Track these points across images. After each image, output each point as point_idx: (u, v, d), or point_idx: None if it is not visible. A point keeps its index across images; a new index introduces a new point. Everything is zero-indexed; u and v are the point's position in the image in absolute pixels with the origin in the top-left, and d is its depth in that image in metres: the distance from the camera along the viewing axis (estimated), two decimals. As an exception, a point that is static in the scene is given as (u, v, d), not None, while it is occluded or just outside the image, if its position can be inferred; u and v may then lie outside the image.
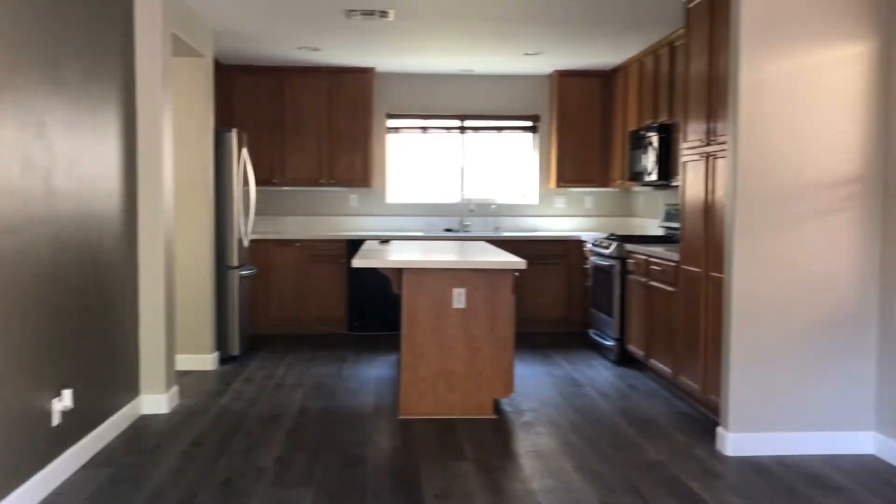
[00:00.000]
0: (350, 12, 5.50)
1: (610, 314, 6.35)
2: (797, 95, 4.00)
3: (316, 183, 7.77)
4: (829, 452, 4.05)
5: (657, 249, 5.52)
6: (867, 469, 3.84)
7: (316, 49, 6.84)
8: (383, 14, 5.54)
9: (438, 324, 4.65)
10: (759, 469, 3.83)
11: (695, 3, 4.79)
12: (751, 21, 3.95)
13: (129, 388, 4.58)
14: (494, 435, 4.36)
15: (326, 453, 4.03)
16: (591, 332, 6.88)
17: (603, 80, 7.79)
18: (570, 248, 7.57)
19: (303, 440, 4.24)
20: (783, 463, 3.91)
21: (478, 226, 8.13)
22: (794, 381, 4.06)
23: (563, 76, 7.78)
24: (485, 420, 4.63)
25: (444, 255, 5.00)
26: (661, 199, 7.15)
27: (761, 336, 4.04)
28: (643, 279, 5.75)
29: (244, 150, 6.38)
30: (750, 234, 4.02)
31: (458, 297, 4.64)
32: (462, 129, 8.17)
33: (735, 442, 4.04)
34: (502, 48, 6.72)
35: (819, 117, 4.01)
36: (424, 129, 8.18)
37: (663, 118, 6.19)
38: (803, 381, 4.06)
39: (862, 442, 4.08)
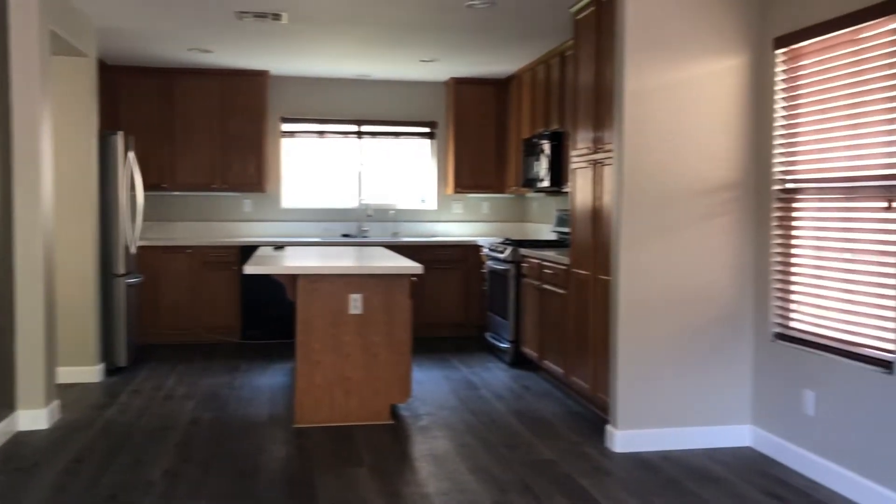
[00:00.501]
0: (241, 14, 5.40)
1: (505, 317, 6.47)
2: (678, 105, 4.19)
3: (208, 188, 7.57)
4: (710, 446, 4.26)
5: (550, 253, 5.66)
6: (744, 460, 4.06)
7: (207, 51, 6.68)
8: (276, 17, 5.46)
9: (334, 330, 4.61)
10: (644, 464, 3.98)
11: (582, 15, 4.95)
12: (634, 34, 4.12)
13: (4, 403, 4.33)
14: (391, 440, 4.37)
15: (218, 465, 3.93)
16: (488, 336, 6.99)
17: (498, 88, 7.93)
18: (467, 253, 7.67)
19: (193, 452, 4.12)
20: (667, 457, 4.08)
21: (376, 231, 8.12)
22: (677, 379, 4.25)
23: (459, 83, 7.88)
24: (382, 426, 4.63)
25: (340, 260, 4.97)
26: (554, 204, 7.34)
27: (646, 336, 4.21)
28: (536, 282, 5.88)
29: (130, 154, 6.16)
30: (634, 239, 4.18)
31: (355, 303, 4.62)
32: (359, 134, 8.15)
33: (623, 439, 4.19)
34: (398, 54, 6.75)
35: (698, 126, 4.21)
36: (321, 133, 8.11)
37: (555, 126, 6.36)
38: (685, 378, 4.26)
39: (740, 435, 4.31)
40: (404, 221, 8.22)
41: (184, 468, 3.87)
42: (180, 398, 5.26)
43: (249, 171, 7.61)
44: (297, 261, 4.89)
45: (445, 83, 8.13)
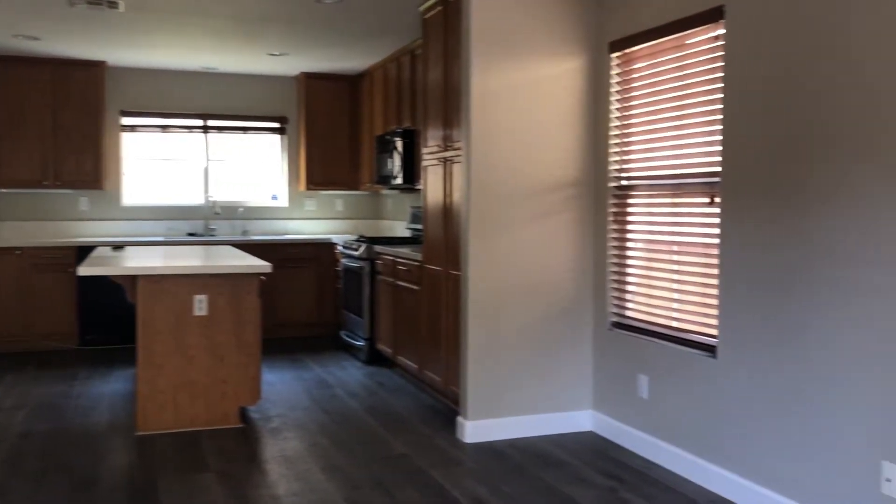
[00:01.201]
0: (73, 0, 5.08)
1: (360, 315, 6.45)
2: (522, 106, 4.33)
3: (39, 185, 7.07)
4: (556, 432, 4.44)
5: (404, 250, 5.70)
6: (586, 444, 4.26)
7: (35, 38, 6.23)
8: (112, 4, 5.18)
9: (178, 333, 4.44)
10: (494, 453, 4.09)
11: (430, 14, 5.01)
12: (480, 35, 4.22)
13: None
14: (240, 444, 4.25)
15: (52, 478, 3.69)
16: (343, 334, 6.95)
17: (350, 85, 7.89)
18: (321, 251, 7.59)
19: (25, 466, 3.85)
20: (515, 445, 4.22)
21: (225, 229, 7.87)
22: (524, 369, 4.39)
23: (311, 78, 7.78)
24: (230, 430, 4.50)
25: (183, 260, 4.78)
26: (408, 201, 7.39)
27: (494, 329, 4.32)
28: (391, 279, 5.91)
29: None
30: (482, 235, 4.29)
31: (200, 304, 4.46)
32: (205, 128, 7.87)
33: (473, 429, 4.29)
34: (245, 48, 6.58)
35: (541, 126, 4.37)
36: (164, 128, 7.77)
37: (407, 124, 6.41)
38: (531, 368, 4.41)
39: (582, 420, 4.51)
40: (254, 219, 8.02)
41: (13, 484, 3.60)
42: (9, 410, 4.89)
43: (86, 167, 7.17)
44: (136, 261, 4.67)
45: (296, 78, 8.00)
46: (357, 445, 4.22)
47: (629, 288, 4.26)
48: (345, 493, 3.52)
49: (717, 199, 3.56)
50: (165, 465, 3.89)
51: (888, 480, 2.75)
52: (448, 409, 4.92)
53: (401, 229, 7.63)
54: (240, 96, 7.90)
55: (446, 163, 4.81)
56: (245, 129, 8.01)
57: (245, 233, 7.92)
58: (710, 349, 3.62)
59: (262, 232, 8.01)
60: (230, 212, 7.90)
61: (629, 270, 4.26)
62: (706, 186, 3.65)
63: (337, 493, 3.52)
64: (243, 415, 4.75)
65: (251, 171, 8.12)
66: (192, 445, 4.20)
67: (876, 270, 2.78)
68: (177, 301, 4.43)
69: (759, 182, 3.30)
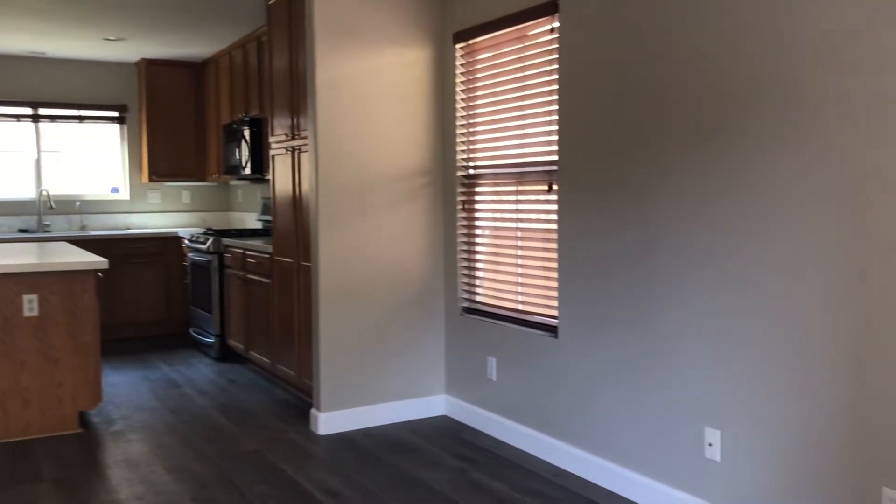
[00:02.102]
0: None
1: (210, 311, 6.25)
2: (369, 95, 4.32)
3: None
4: (410, 418, 4.49)
5: (254, 242, 5.57)
6: (440, 429, 4.33)
7: None
8: (-82, -20, 4.72)
9: (6, 336, 4.13)
10: (347, 443, 4.09)
11: (274, 0, 4.91)
12: (324, 23, 4.17)
13: None
14: (79, 450, 4.03)
15: None
16: (193, 331, 6.71)
17: (194, 72, 7.60)
18: (167, 245, 7.27)
19: None
20: (369, 434, 4.23)
21: (60, 225, 7.39)
22: (377, 358, 4.41)
23: (152, 65, 7.42)
24: (69, 436, 4.25)
25: (10, 258, 4.45)
26: (259, 192, 7.22)
27: (346, 318, 4.31)
28: (241, 273, 5.76)
29: None
30: (332, 225, 4.26)
31: (30, 305, 4.17)
32: (35, 117, 7.34)
33: (327, 421, 4.27)
34: (77, 31, 6.18)
35: (389, 115, 4.39)
36: (-12, 116, 7.18)
37: (254, 112, 6.25)
38: (385, 356, 4.43)
39: (436, 405, 4.59)
40: (94, 213, 7.57)
41: None
42: None
43: None
44: (-45, 260, 4.30)
45: (136, 64, 7.61)
46: (206, 444, 4.09)
47: (478, 274, 4.36)
48: (192, 493, 3.41)
49: (556, 187, 3.70)
50: (-7, 477, 3.63)
51: (710, 445, 2.98)
52: (302, 402, 4.86)
53: (252, 221, 7.45)
54: (74, 83, 7.42)
55: (294, 152, 4.74)
56: (81, 118, 7.54)
57: (83, 228, 7.46)
58: (552, 330, 3.77)
59: (103, 227, 7.58)
60: (66, 206, 7.42)
61: (478, 257, 4.36)
62: (546, 175, 3.80)
63: (184, 494, 3.41)
64: (83, 419, 4.49)
65: (89, 162, 7.65)
66: (24, 455, 3.93)
67: (698, 256, 2.99)
68: (3, 302, 4.12)
69: (592, 171, 3.46)
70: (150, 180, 7.52)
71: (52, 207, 7.30)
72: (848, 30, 2.43)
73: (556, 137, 3.69)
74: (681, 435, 3.10)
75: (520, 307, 4.03)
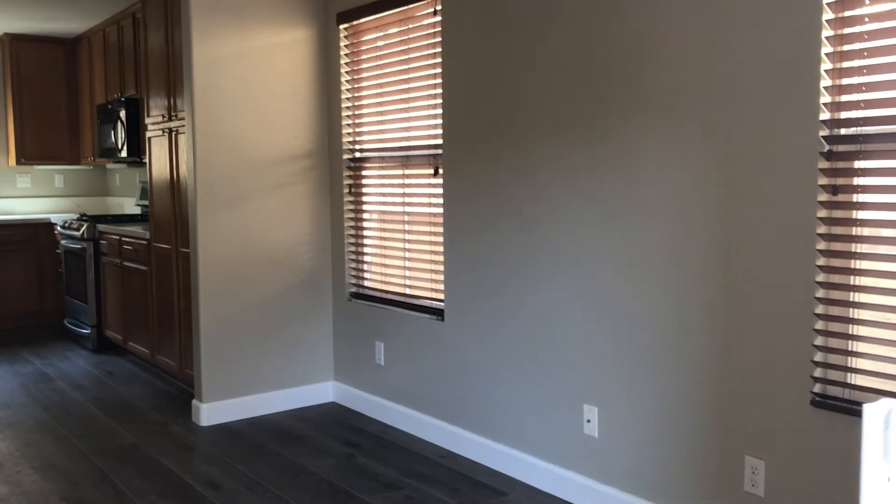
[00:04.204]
0: None
1: (85, 300, 5.95)
2: (249, 75, 4.19)
3: None
4: (297, 406, 4.42)
5: (131, 228, 5.33)
6: (327, 415, 4.29)
7: None
8: None
9: None
10: (231, 433, 3.99)
11: (149, -26, 4.69)
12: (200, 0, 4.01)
13: None
14: (-64, 451, 3.76)
15: None
16: (67, 322, 6.37)
17: (66, 49, 7.17)
18: (38, 232, 6.86)
19: None
20: (254, 424, 4.14)
21: (-84, 211, 6.86)
22: (261, 346, 4.31)
23: (18, 41, 6.95)
24: (-76, 436, 3.96)
25: None
26: (137, 176, 6.92)
27: (229, 305, 4.19)
28: (117, 260, 5.50)
29: None
30: (212, 209, 4.12)
31: None
32: None
33: (209, 412, 4.14)
34: (-70, 1, 5.72)
35: (271, 96, 4.27)
36: None
37: (130, 92, 5.97)
38: (270, 344, 4.34)
39: (324, 392, 4.54)
40: (-45, 199, 7.06)
41: None
42: None
43: None
44: None
45: (0, 39, 7.12)
46: (80, 440, 3.90)
47: (366, 259, 4.32)
48: (63, 492, 3.24)
49: (441, 171, 3.71)
50: None
51: (588, 421, 3.06)
52: (184, 393, 4.70)
53: (130, 206, 7.13)
54: (-72, 58, 6.87)
55: (172, 133, 4.56)
56: (-63, 96, 6.99)
57: (-57, 214, 6.95)
58: (438, 313, 3.78)
59: (-35, 213, 7.08)
60: (-78, 190, 6.89)
61: (365, 241, 4.32)
62: (431, 158, 3.79)
63: (53, 493, 3.23)
64: (-59, 419, 4.20)
65: (-52, 143, 7.12)
66: None
67: (571, 241, 3.06)
68: None
69: (474, 156, 3.48)
70: (19, 163, 7.07)
71: None
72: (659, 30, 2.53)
73: (440, 121, 3.69)
74: (562, 413, 3.18)
75: (407, 291, 4.03)
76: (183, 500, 3.17)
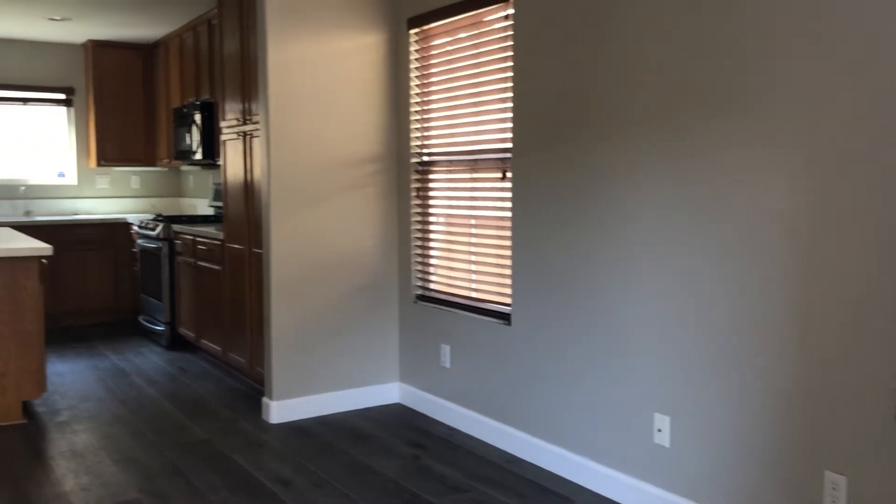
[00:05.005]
0: None
1: (160, 298, 6.13)
2: (322, 79, 4.26)
3: None
4: (363, 406, 4.46)
5: (205, 229, 5.47)
6: (394, 416, 4.32)
7: None
8: None
9: (-56, 323, 4.00)
10: (300, 431, 4.05)
11: (226, -19, 4.81)
12: (275, 4, 4.09)
13: None
14: (22, 441, 3.92)
15: None
16: (142, 319, 6.58)
17: (144, 54, 7.42)
18: (115, 232, 7.11)
19: None
20: (322, 422, 4.20)
21: (4, 210, 7.17)
22: (329, 345, 4.37)
23: (100, 47, 7.22)
24: (11, 426, 4.14)
25: (-51, 243, 4.31)
26: (210, 178, 7.10)
27: (299, 305, 4.26)
28: (191, 260, 5.66)
29: None
30: (284, 211, 4.20)
31: (-31, 291, 4.04)
32: (-23, 99, 7.10)
33: (278, 409, 4.22)
34: (18, 10, 5.97)
35: (342, 101, 4.33)
36: (-74, 97, 6.92)
37: (205, 96, 6.13)
38: (338, 344, 4.40)
39: (390, 393, 4.57)
40: (39, 198, 7.36)
41: None
42: None
43: None
44: None
45: (83, 45, 7.40)
46: (154, 434, 4.02)
47: (432, 261, 4.35)
48: (140, 484, 3.35)
49: (509, 174, 3.70)
50: (-70, 470, 3.52)
51: (659, 430, 3.02)
52: (254, 391, 4.81)
53: (203, 207, 7.32)
54: (18, 64, 7.19)
55: (246, 137, 4.66)
56: (25, 101, 7.31)
57: (28, 213, 7.26)
58: (505, 317, 3.78)
59: (49, 212, 7.38)
60: (10, 191, 7.20)
61: (432, 244, 4.34)
62: (499, 162, 3.79)
63: (130, 485, 3.34)
64: (27, 409, 4.38)
65: (34, 146, 7.44)
66: (-37, 447, 3.82)
67: (650, 246, 3.02)
68: (-60, 289, 3.99)
69: (545, 159, 3.47)
70: (99, 165, 7.34)
71: (-6, 192, 7.08)
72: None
73: (510, 125, 3.69)
74: (631, 421, 3.14)
75: (473, 294, 4.03)
76: (254, 496, 3.24)
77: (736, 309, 2.70)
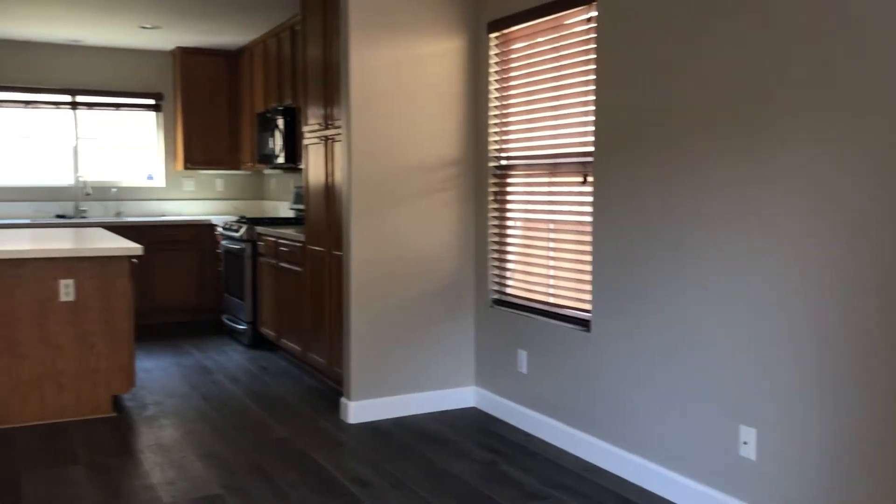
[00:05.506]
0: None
1: (242, 298, 6.29)
2: (403, 84, 4.30)
3: None
4: (439, 409, 4.48)
5: (287, 231, 5.59)
6: (470, 420, 4.32)
7: None
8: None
9: (43, 320, 4.19)
10: (378, 432, 4.09)
11: (309, -12, 4.90)
12: (358, 11, 4.15)
13: None
14: (112, 434, 4.08)
15: None
16: (225, 318, 6.76)
17: (229, 60, 7.64)
18: (200, 233, 7.34)
19: None
20: (399, 424, 4.23)
21: (97, 211, 7.49)
22: (407, 348, 4.40)
23: (187, 53, 7.47)
24: (102, 419, 4.31)
25: (48, 243, 4.51)
26: (292, 181, 7.25)
27: (377, 308, 4.31)
28: (273, 261, 5.78)
29: None
30: (364, 214, 4.25)
31: (66, 289, 4.23)
32: (74, 104, 7.44)
33: (357, 410, 4.27)
34: (113, 19, 6.23)
35: (422, 105, 4.36)
36: (28, 103, 7.29)
37: (288, 101, 6.27)
38: (414, 346, 4.43)
39: (465, 397, 4.57)
40: (129, 200, 7.66)
41: None
42: None
43: (-62, 144, 6.65)
44: (-5, 244, 4.37)
45: (172, 52, 7.67)
46: (236, 431, 4.12)
47: (509, 266, 4.33)
48: (223, 480, 3.44)
49: (590, 179, 3.65)
50: (30, 459, 3.69)
51: (745, 443, 2.92)
52: (332, 391, 4.88)
53: (284, 210, 7.48)
54: (111, 71, 7.50)
55: (327, 141, 4.74)
56: (118, 106, 7.62)
57: (119, 214, 7.56)
58: (584, 324, 3.73)
59: (138, 213, 7.67)
60: (103, 192, 7.52)
61: (509, 248, 4.32)
62: (580, 166, 3.75)
63: (214, 480, 3.43)
64: (117, 404, 4.55)
65: (125, 149, 7.74)
66: (59, 438, 3.99)
67: (734, 251, 2.93)
68: (41, 286, 4.18)
69: (628, 163, 3.41)
70: (185, 168, 7.59)
71: (88, 194, 7.40)
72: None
73: (591, 129, 3.64)
74: (715, 433, 3.05)
75: (551, 300, 3.99)
76: (333, 495, 3.28)
77: (827, 316, 2.59)
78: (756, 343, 2.86)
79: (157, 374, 5.35)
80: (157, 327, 6.99)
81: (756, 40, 2.81)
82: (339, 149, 4.55)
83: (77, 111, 7.46)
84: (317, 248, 4.96)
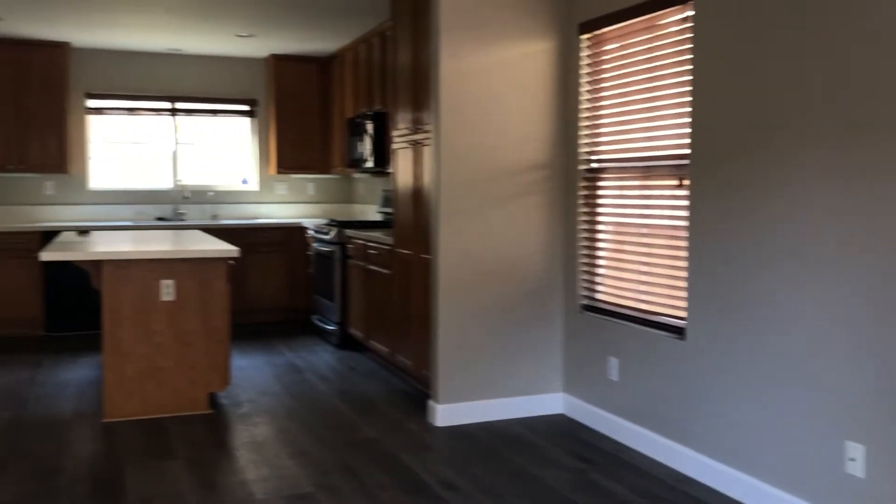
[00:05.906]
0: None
1: (332, 299, 6.41)
2: (492, 88, 4.29)
3: (2, 169, 6.92)
4: (527, 415, 4.44)
5: (375, 234, 5.65)
6: (557, 427, 4.26)
7: (-5, 17, 6.08)
8: (73, -17, 5.05)
9: (145, 319, 4.37)
10: (465, 436, 4.09)
11: (400, -6, 4.95)
12: (449, 15, 4.17)
13: None
14: (208, 430, 4.21)
15: (16, 466, 3.62)
16: (315, 318, 6.90)
17: (320, 67, 7.80)
18: (292, 235, 7.51)
19: (-15, 457, 3.78)
20: (486, 428, 4.22)
21: (194, 214, 7.77)
22: (494, 352, 4.38)
23: (280, 60, 7.67)
24: (199, 416, 4.45)
25: (150, 244, 4.70)
26: (380, 185, 7.34)
27: (465, 312, 4.31)
28: (362, 263, 5.86)
29: None
30: (452, 217, 4.26)
31: (167, 290, 4.39)
32: (173, 111, 7.74)
33: (444, 413, 4.28)
34: (211, 28, 6.46)
35: (511, 108, 4.34)
36: (131, 110, 7.63)
37: (377, 106, 6.35)
38: (502, 351, 4.40)
39: (553, 403, 4.52)
40: (225, 203, 7.92)
41: (-28, 475, 3.53)
42: (-29, 399, 4.80)
43: (50, 150, 7.03)
44: (101, 246, 4.58)
45: (265, 60, 7.89)
46: (326, 430, 4.19)
47: (599, 271, 4.26)
48: (314, 479, 3.50)
49: (686, 182, 3.55)
50: (132, 452, 3.84)
51: (852, 460, 2.78)
52: (419, 393, 4.90)
53: (372, 213, 7.58)
54: (208, 78, 7.77)
55: (416, 146, 4.77)
56: (214, 112, 7.89)
57: (215, 217, 7.82)
58: (678, 331, 3.63)
59: (233, 216, 7.92)
60: (200, 196, 7.80)
61: (599, 253, 4.25)
62: (675, 169, 3.65)
63: (306, 479, 3.50)
64: (212, 401, 4.70)
65: (221, 154, 8.01)
66: (159, 432, 4.15)
67: (841, 257, 2.80)
68: (143, 286, 4.36)
69: (727, 167, 3.30)
70: (278, 172, 7.79)
71: (186, 197, 7.68)
72: None
73: (688, 131, 3.54)
74: (818, 448, 2.91)
75: (643, 306, 3.90)
76: (422, 497, 3.29)
77: (948, 332, 2.44)
78: (864, 354, 2.72)
79: (251, 372, 5.50)
80: (250, 327, 7.19)
81: (866, 46, 2.67)
82: (427, 153, 4.57)
83: (176, 117, 7.76)
84: (405, 251, 5.00)
